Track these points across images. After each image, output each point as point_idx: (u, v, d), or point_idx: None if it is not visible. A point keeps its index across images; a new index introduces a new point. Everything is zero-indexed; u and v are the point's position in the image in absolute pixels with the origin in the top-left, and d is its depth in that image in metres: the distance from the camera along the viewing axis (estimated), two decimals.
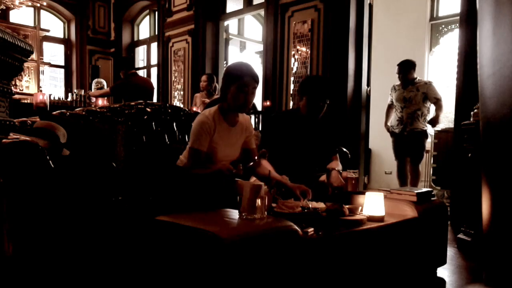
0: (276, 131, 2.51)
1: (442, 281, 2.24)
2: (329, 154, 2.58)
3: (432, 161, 5.20)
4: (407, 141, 4.38)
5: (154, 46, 7.36)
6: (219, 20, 6.26)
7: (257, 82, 2.08)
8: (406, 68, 4.35)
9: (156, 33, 7.19)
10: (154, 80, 7.20)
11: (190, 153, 2.03)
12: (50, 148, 1.71)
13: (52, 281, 1.55)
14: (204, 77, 5.16)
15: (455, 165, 3.73)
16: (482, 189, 1.22)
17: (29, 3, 6.22)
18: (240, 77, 2.01)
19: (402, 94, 4.37)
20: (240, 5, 6.14)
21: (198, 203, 1.77)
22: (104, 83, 7.24)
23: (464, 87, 3.71)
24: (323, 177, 2.43)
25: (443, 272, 2.37)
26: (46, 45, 7.69)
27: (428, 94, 4.32)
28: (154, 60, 7.44)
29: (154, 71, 7.45)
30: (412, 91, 4.33)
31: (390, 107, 4.62)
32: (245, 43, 7.35)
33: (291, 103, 5.03)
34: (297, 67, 4.97)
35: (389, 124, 4.57)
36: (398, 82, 4.48)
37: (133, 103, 2.56)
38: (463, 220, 3.28)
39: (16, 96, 5.61)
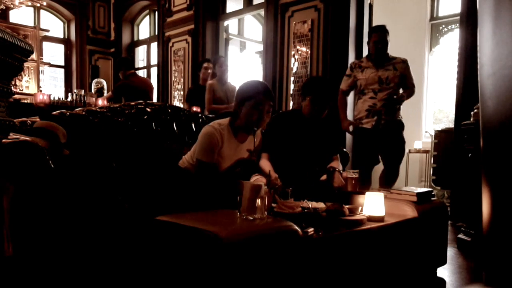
0: (277, 131, 2.51)
1: (442, 281, 2.24)
2: (330, 154, 2.58)
3: (432, 161, 5.20)
4: (383, 137, 3.34)
5: (154, 46, 7.36)
6: (219, 20, 6.25)
7: (273, 102, 2.07)
8: (386, 36, 3.40)
9: (156, 33, 7.18)
10: (154, 80, 7.20)
11: (197, 166, 2.02)
12: (50, 148, 1.71)
13: (52, 281, 1.55)
14: (222, 59, 4.51)
15: (455, 165, 3.73)
16: (482, 189, 1.22)
17: (29, 3, 6.22)
18: (256, 95, 2.00)
19: (376, 74, 3.37)
20: (240, 5, 6.14)
21: (198, 203, 1.77)
22: (104, 83, 7.24)
23: (464, 87, 3.72)
24: (324, 177, 2.43)
25: (443, 272, 2.37)
26: (46, 45, 7.69)
27: (407, 76, 3.42)
28: (154, 60, 7.44)
29: (154, 71, 7.45)
30: (389, 70, 3.37)
31: (345, 94, 3.58)
32: (245, 43, 7.34)
33: (291, 103, 5.03)
34: (297, 67, 4.97)
35: (354, 116, 3.52)
36: (360, 59, 3.65)
37: (133, 103, 2.56)
38: (463, 220, 3.28)
39: (16, 96, 5.61)
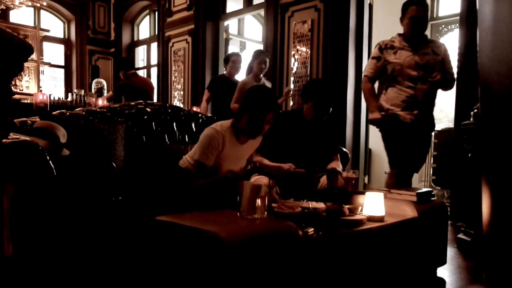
0: (277, 132, 2.51)
1: (442, 281, 2.24)
2: (330, 155, 2.58)
3: (432, 161, 5.20)
4: (419, 136, 2.88)
5: (154, 46, 7.36)
6: (219, 20, 6.25)
7: (276, 112, 2.09)
8: (427, 11, 2.85)
9: (156, 33, 7.18)
10: (154, 80, 7.20)
11: (196, 166, 2.03)
12: (50, 148, 1.71)
13: (52, 281, 1.55)
14: (265, 58, 4.09)
15: (455, 165, 3.73)
16: (482, 189, 1.22)
17: (29, 3, 6.22)
18: (260, 105, 2.02)
19: (413, 58, 2.78)
20: (240, 5, 6.13)
21: (198, 203, 1.77)
22: (104, 83, 7.24)
23: (464, 87, 3.71)
24: (323, 180, 2.43)
25: (443, 272, 2.37)
26: (46, 45, 7.68)
27: (446, 61, 2.87)
28: (154, 60, 7.44)
29: (154, 71, 7.45)
30: (428, 54, 2.82)
31: (373, 82, 2.97)
32: (245, 43, 7.34)
33: (291, 103, 5.03)
34: (297, 67, 4.97)
35: (385, 107, 2.87)
36: (390, 38, 2.97)
37: (133, 103, 2.56)
38: (463, 220, 3.28)
39: (16, 96, 5.61)
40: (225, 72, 4.49)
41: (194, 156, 2.06)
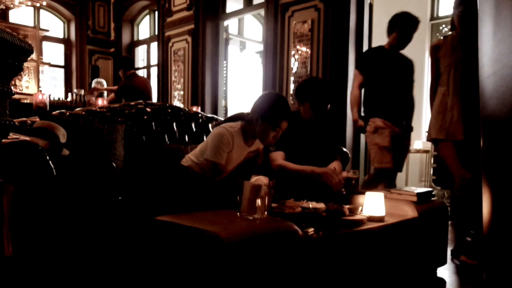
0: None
1: (442, 281, 2.24)
2: (330, 156, 2.58)
3: (432, 161, 5.20)
4: None
5: (154, 46, 7.36)
6: (219, 20, 6.25)
7: (290, 120, 2.10)
8: None
9: (156, 33, 7.18)
10: (154, 80, 7.19)
11: (211, 166, 2.02)
12: (50, 148, 1.71)
13: (52, 281, 1.55)
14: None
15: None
16: (482, 189, 1.22)
17: (29, 3, 6.22)
18: (280, 120, 2.03)
19: None
20: (240, 5, 6.13)
21: (199, 202, 1.77)
22: (104, 83, 7.23)
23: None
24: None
25: (443, 272, 2.37)
26: (46, 45, 7.68)
27: None
28: (154, 60, 7.44)
29: (154, 71, 7.45)
30: None
31: None
32: (245, 43, 7.34)
33: (291, 103, 5.03)
34: (297, 67, 4.96)
35: None
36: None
37: (133, 103, 2.56)
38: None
39: (16, 96, 5.61)
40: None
41: (206, 157, 2.04)
